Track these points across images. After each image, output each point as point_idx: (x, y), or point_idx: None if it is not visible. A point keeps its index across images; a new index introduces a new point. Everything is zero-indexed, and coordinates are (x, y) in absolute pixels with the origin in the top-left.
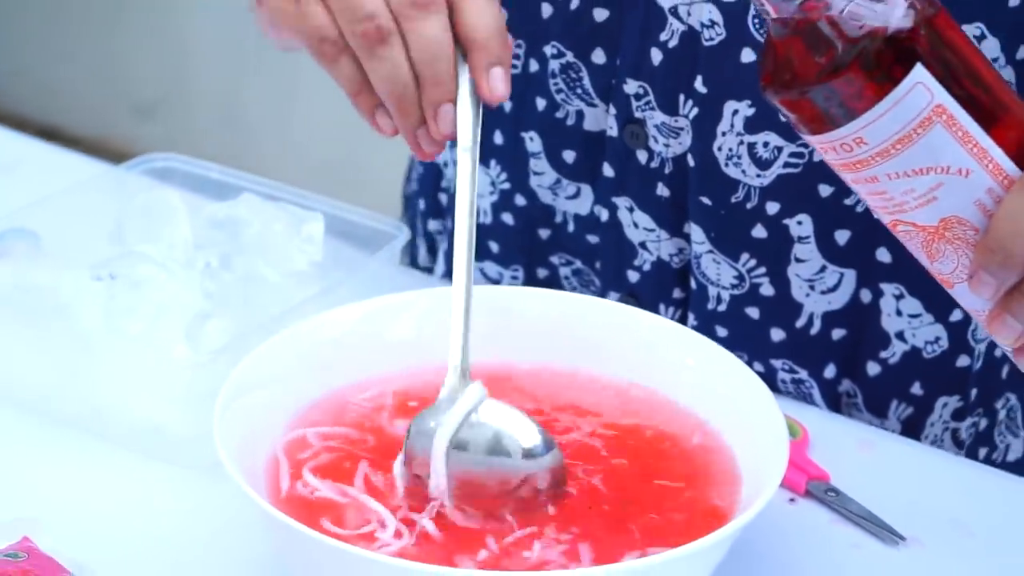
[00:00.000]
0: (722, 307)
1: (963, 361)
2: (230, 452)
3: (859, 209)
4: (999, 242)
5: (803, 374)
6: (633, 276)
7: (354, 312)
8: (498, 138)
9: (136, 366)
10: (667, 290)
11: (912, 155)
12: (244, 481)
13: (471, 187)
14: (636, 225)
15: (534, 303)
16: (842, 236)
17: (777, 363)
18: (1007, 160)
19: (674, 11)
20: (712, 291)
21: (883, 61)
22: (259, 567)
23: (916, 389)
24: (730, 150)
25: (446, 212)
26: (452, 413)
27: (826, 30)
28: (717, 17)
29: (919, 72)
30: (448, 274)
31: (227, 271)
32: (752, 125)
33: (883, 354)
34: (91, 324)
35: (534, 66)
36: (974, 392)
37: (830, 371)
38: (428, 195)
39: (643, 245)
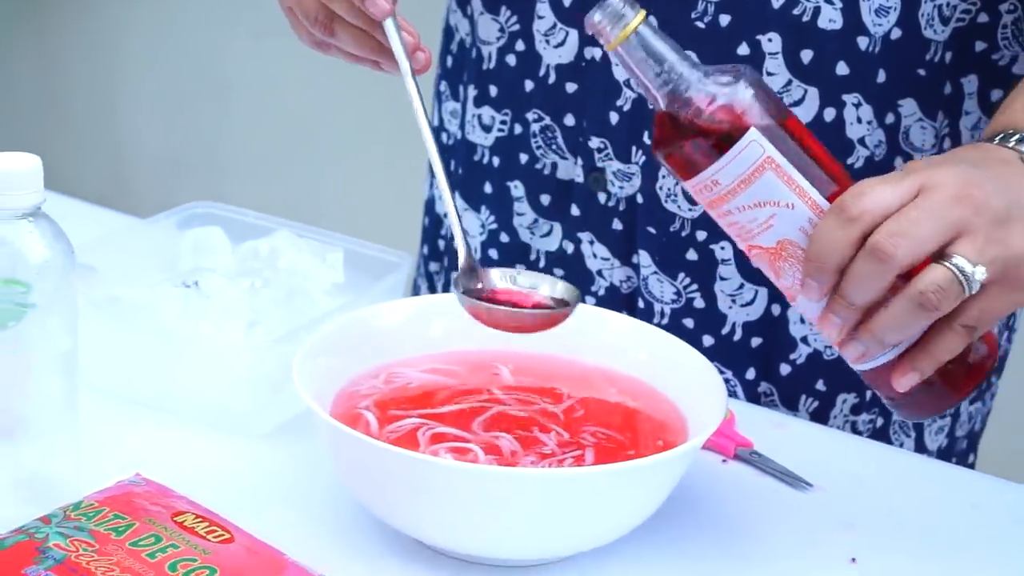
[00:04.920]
0: (665, 320)
1: None
2: (303, 383)
3: None
4: (814, 254)
5: (729, 374)
6: (590, 301)
7: (389, 307)
8: (488, 188)
9: (207, 357)
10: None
11: (752, 192)
12: (312, 402)
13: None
14: (595, 256)
15: None
16: None
17: None
18: (820, 198)
19: (627, 83)
20: (657, 307)
21: (728, 126)
22: (303, 505)
23: (820, 386)
24: (668, 189)
25: (443, 255)
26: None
27: (690, 105)
28: None
29: (753, 133)
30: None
31: (268, 289)
32: None
33: (792, 356)
34: (170, 324)
35: (518, 129)
36: (868, 392)
37: (750, 374)
38: (430, 242)
39: (599, 273)
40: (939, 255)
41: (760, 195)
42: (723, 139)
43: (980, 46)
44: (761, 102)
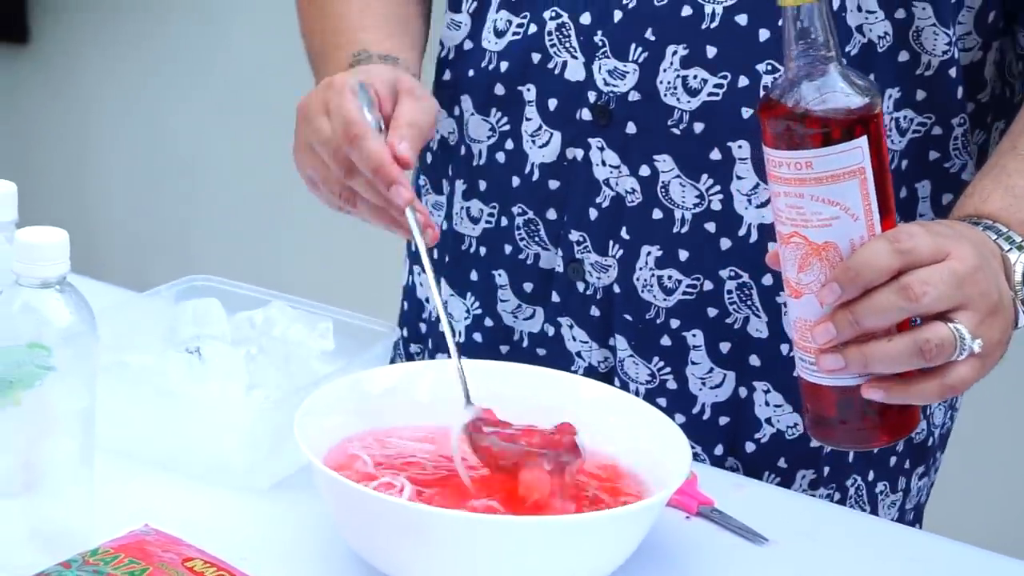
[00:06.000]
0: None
1: (815, 443)
2: (304, 439)
3: (736, 327)
4: (855, 265)
5: (698, 449)
6: None
7: (382, 371)
8: (474, 275)
9: (210, 417)
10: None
11: (832, 190)
12: (312, 456)
13: (426, 257)
14: (574, 339)
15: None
16: (724, 347)
17: None
18: (878, 223)
19: (606, 182)
20: (632, 387)
21: (851, 123)
22: (301, 555)
23: (782, 463)
24: (645, 280)
25: (425, 337)
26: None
27: (822, 89)
28: (636, 186)
29: (863, 140)
30: None
31: (264, 356)
32: (660, 262)
33: (756, 435)
34: (176, 387)
35: (504, 221)
36: (826, 469)
37: (718, 450)
38: (410, 325)
39: (578, 354)
40: (941, 317)
41: (836, 195)
42: (838, 132)
43: (934, 155)
44: (881, 123)
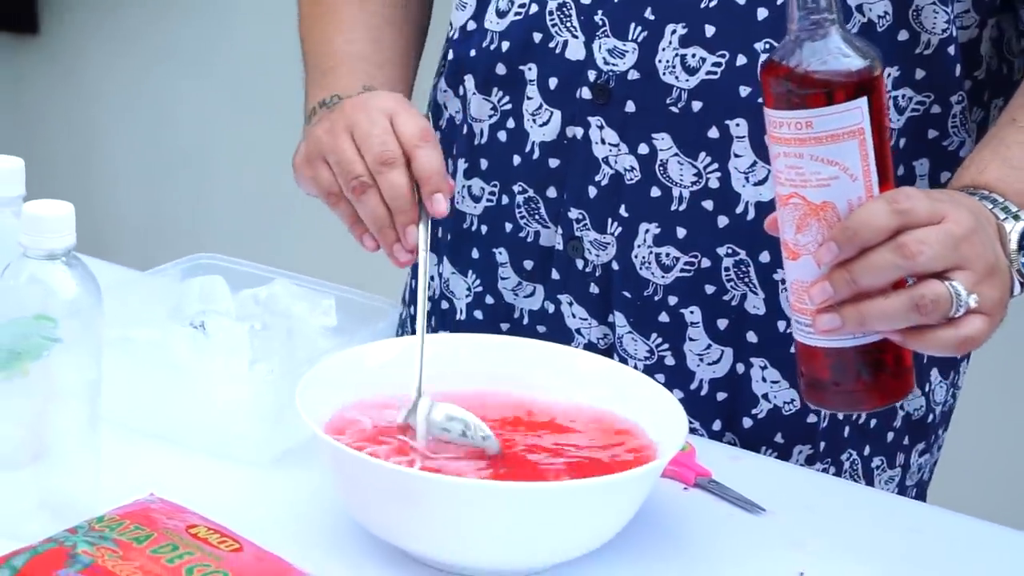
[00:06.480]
0: None
1: (812, 419)
2: (305, 410)
3: (733, 304)
4: (852, 224)
5: (696, 424)
6: None
7: (382, 345)
8: (475, 254)
9: (214, 391)
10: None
11: (831, 149)
12: (313, 424)
13: (425, 275)
14: (574, 316)
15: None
16: (722, 323)
17: None
18: (876, 184)
19: (605, 160)
20: (631, 363)
21: (851, 84)
22: (302, 524)
23: (778, 438)
24: (643, 258)
25: (429, 316)
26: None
27: (826, 51)
28: (635, 164)
29: (863, 101)
30: None
31: (267, 332)
32: (658, 240)
33: (754, 411)
34: (180, 361)
35: (505, 200)
36: (823, 444)
37: (716, 425)
38: (415, 305)
39: (578, 331)
40: (939, 276)
41: (836, 155)
42: (839, 93)
43: (932, 134)
44: (881, 87)
